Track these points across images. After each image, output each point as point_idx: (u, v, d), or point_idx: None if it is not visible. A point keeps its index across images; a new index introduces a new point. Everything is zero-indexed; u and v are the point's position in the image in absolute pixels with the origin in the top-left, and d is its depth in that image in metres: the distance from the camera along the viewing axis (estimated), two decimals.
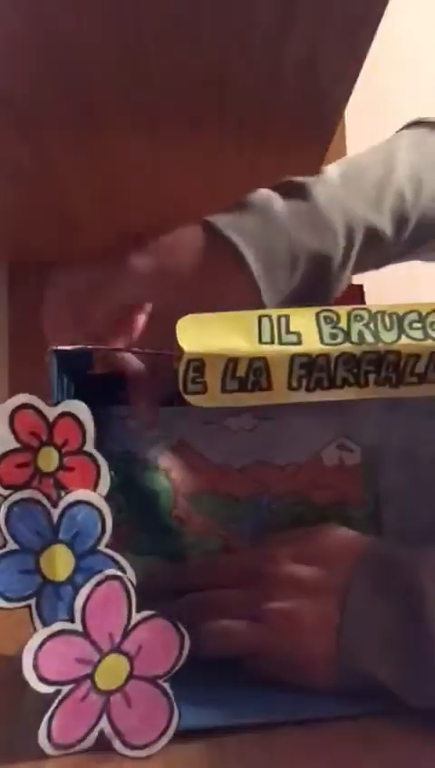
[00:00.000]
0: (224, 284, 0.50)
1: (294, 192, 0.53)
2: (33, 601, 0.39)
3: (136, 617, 0.40)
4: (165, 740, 0.39)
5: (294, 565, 0.47)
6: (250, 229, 0.51)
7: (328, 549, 0.48)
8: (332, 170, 0.54)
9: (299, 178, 0.53)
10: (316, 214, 0.52)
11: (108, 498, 0.40)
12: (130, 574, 0.40)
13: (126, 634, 0.40)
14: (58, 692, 0.38)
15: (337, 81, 0.53)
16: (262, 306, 0.52)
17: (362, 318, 0.50)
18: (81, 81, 0.50)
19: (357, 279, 0.89)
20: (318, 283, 0.54)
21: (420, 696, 0.41)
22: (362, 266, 0.57)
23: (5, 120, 0.54)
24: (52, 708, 0.38)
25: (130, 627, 0.40)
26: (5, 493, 0.39)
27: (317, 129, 0.60)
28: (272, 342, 0.48)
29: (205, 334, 0.46)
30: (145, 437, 0.53)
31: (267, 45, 0.47)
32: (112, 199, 0.72)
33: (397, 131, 0.61)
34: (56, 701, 0.38)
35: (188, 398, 0.45)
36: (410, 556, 0.45)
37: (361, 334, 0.49)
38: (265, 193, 0.53)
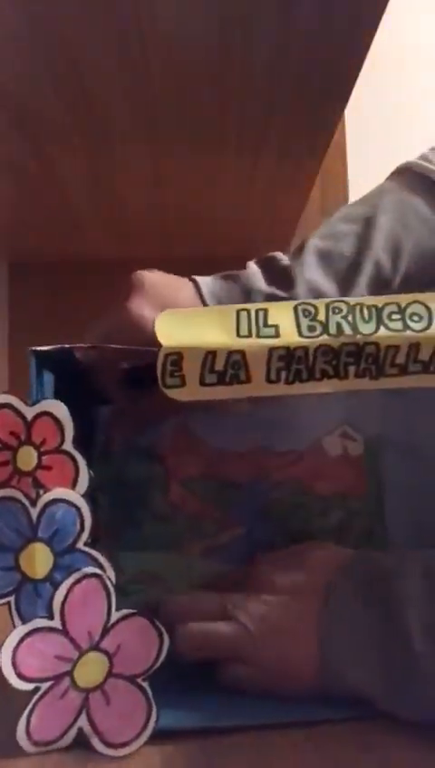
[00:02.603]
0: None
1: (278, 277, 0.56)
2: (12, 598, 0.40)
3: (115, 615, 0.41)
4: (143, 739, 0.40)
5: (274, 571, 0.48)
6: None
7: (311, 557, 0.48)
8: (311, 247, 0.58)
9: (284, 260, 0.57)
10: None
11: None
12: (110, 572, 0.41)
13: (105, 632, 0.41)
14: (37, 689, 0.39)
15: (337, 81, 0.54)
16: None
17: (340, 310, 0.50)
18: (81, 81, 0.50)
19: None
20: None
21: (398, 705, 0.42)
22: None
23: (5, 120, 0.55)
24: (30, 705, 0.39)
25: (109, 625, 0.41)
26: None
27: (317, 128, 0.61)
28: (250, 336, 0.48)
29: (183, 328, 0.47)
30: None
31: (268, 45, 0.48)
32: (112, 199, 0.73)
33: (387, 178, 0.64)
34: (35, 698, 0.39)
35: (167, 391, 0.45)
36: (395, 562, 0.45)
37: (339, 326, 0.50)
38: (252, 270, 0.56)
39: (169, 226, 0.81)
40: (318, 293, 0.56)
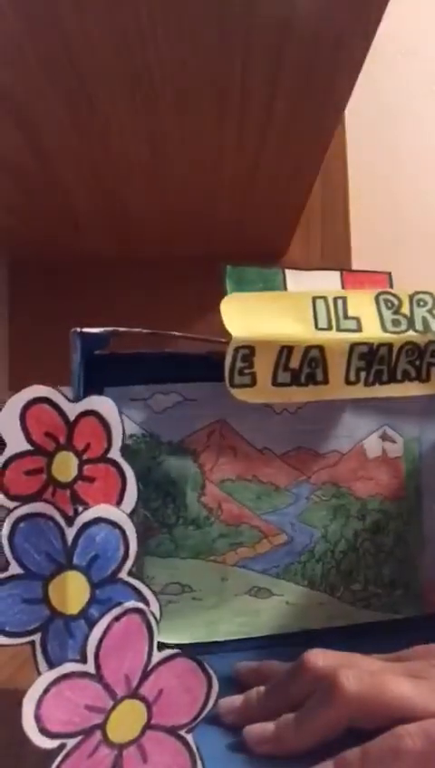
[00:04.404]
0: None
1: None
2: (37, 637, 0.34)
3: (156, 656, 0.35)
4: None
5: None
6: None
7: None
8: None
9: None
10: None
11: None
12: (154, 607, 0.35)
13: (145, 676, 0.35)
14: (63, 746, 0.33)
15: (337, 80, 0.51)
16: None
17: (425, 303, 0.47)
18: (81, 80, 0.49)
19: (384, 266, 0.87)
20: None
21: None
22: None
23: (6, 120, 0.54)
24: (54, 766, 0.32)
25: (149, 668, 0.34)
26: (11, 505, 0.34)
27: (317, 128, 0.59)
28: (329, 328, 0.44)
29: (254, 317, 0.42)
30: (172, 418, 0.49)
31: (267, 46, 0.47)
32: (112, 199, 0.71)
33: None
34: (60, 757, 0.33)
35: (235, 391, 0.41)
36: None
37: (425, 321, 0.48)
38: None
39: (169, 226, 0.80)
40: None
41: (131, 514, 0.35)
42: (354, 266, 0.90)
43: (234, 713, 0.41)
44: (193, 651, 0.39)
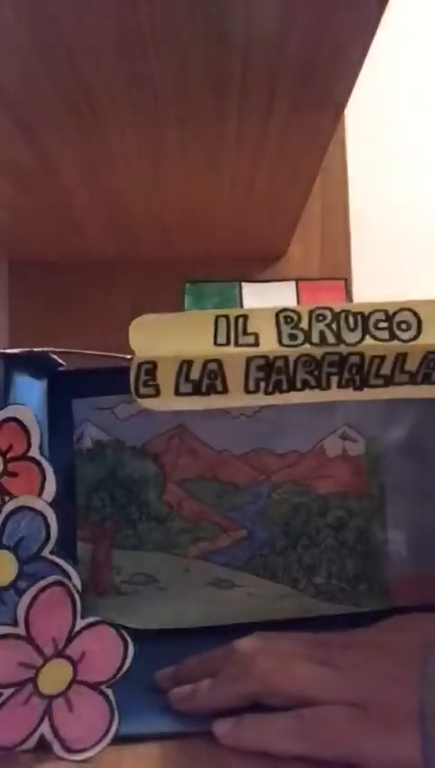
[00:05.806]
0: None
1: None
2: None
3: (81, 623, 0.42)
4: (103, 744, 0.41)
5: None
6: None
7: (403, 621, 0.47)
8: None
9: None
10: None
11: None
12: (75, 580, 0.42)
13: (70, 639, 0.42)
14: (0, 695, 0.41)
15: (337, 80, 0.54)
16: None
17: (324, 317, 0.51)
18: (81, 80, 0.51)
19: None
20: None
21: None
22: None
23: (6, 120, 0.56)
24: None
25: (74, 632, 0.42)
26: None
27: (317, 128, 0.62)
28: (228, 344, 0.49)
29: (159, 336, 0.48)
30: (135, 424, 0.56)
31: (266, 46, 0.49)
32: (112, 199, 0.73)
33: None
34: None
35: (141, 401, 0.46)
36: None
37: (322, 335, 0.50)
38: None
39: (169, 226, 0.81)
40: None
41: (52, 503, 0.43)
42: (354, 266, 0.93)
43: (169, 680, 0.49)
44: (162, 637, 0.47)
